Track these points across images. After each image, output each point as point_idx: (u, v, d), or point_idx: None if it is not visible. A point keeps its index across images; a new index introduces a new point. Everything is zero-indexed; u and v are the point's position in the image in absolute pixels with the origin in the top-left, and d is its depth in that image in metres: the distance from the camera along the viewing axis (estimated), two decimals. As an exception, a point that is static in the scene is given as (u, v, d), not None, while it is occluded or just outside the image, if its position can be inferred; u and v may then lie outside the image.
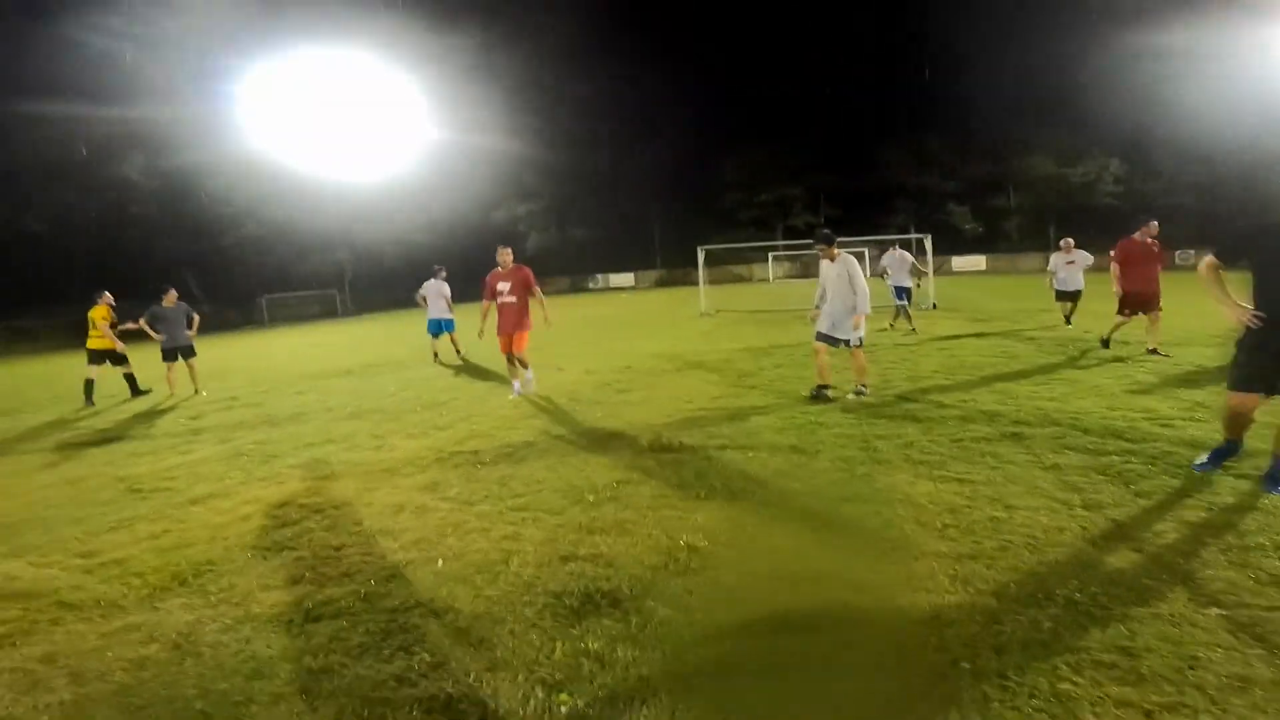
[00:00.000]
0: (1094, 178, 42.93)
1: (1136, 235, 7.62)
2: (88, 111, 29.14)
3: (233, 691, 2.02)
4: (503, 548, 3.01)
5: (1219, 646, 1.96)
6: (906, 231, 35.14)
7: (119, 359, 9.01)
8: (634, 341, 12.11)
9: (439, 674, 2.05)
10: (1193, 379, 5.84)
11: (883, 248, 14.25)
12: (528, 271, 6.76)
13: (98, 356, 8.91)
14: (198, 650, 2.26)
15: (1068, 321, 10.16)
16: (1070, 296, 10.13)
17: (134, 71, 30.26)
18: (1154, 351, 7.21)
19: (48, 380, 12.50)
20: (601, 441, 4.87)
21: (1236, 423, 3.38)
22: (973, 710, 1.75)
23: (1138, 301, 7.48)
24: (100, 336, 8.86)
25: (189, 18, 31.77)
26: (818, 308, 6.12)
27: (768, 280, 36.59)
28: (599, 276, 49.61)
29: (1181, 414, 4.60)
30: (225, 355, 14.90)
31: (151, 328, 8.90)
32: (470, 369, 9.55)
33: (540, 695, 1.91)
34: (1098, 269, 9.10)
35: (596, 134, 49.43)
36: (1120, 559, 2.56)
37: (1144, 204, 36.62)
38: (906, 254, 11.57)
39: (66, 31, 29.26)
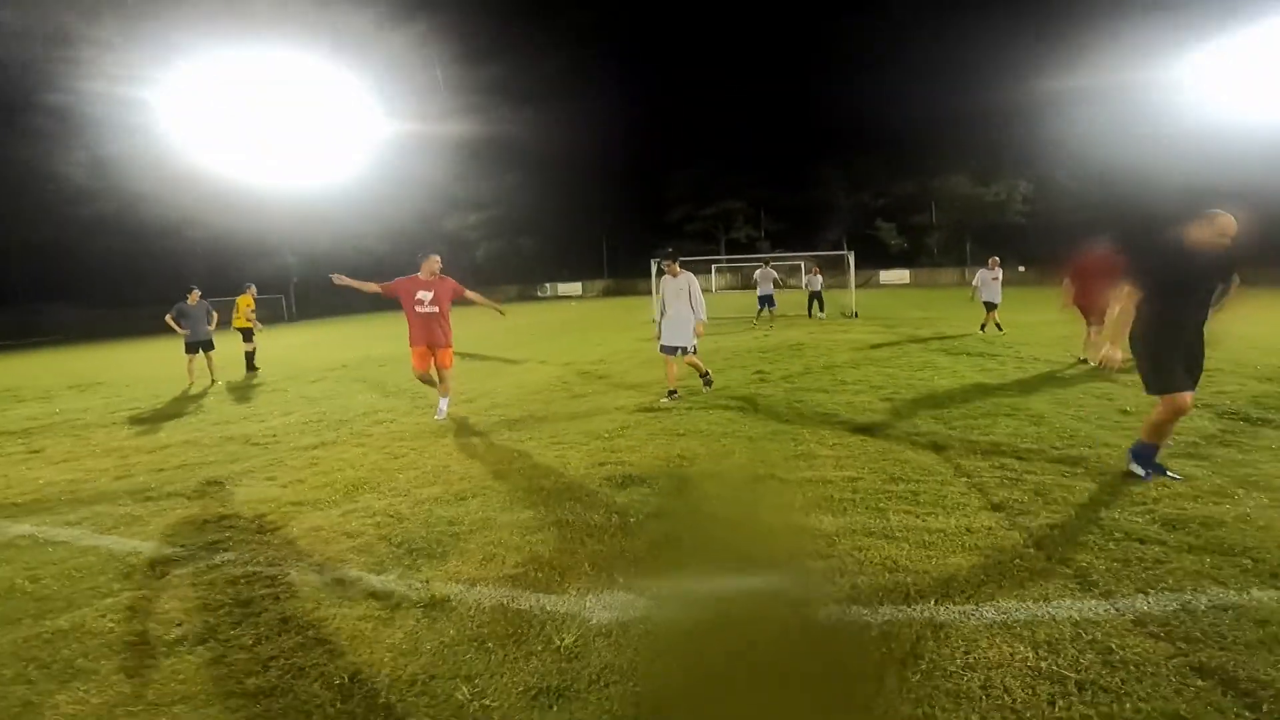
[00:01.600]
0: (1005, 197, 46.98)
1: (1092, 253, 8.07)
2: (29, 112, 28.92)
3: (437, 537, 3.61)
4: (558, 461, 4.71)
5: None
6: (839, 246, 39.30)
7: (249, 337, 11.43)
8: (599, 341, 13.89)
9: (566, 506, 3.75)
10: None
11: (805, 264, 17.14)
12: (454, 282, 6.41)
13: (245, 335, 11.44)
14: (405, 518, 3.79)
15: (982, 329, 11.97)
16: (991, 307, 11.97)
17: (76, 66, 30.06)
18: (1084, 361, 7.90)
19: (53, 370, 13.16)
20: (598, 407, 6.60)
21: (1171, 424, 3.65)
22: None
23: (1090, 311, 7.92)
24: (242, 318, 11.34)
25: (127, 19, 31.67)
26: (657, 322, 7.15)
27: (710, 290, 39.10)
28: (548, 285, 51.29)
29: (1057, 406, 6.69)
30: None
31: (176, 323, 10.09)
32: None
33: (615, 519, 3.59)
34: (1020, 283, 11.35)
35: (550, 144, 51.03)
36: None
37: (1048, 222, 41.80)
38: (771, 271, 15.86)
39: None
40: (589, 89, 52.03)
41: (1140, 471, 3.73)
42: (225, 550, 3.41)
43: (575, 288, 50.81)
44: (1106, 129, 38.85)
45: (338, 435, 6.00)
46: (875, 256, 44.51)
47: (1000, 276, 12.08)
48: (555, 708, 2.03)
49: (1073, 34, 39.42)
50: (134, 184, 31.99)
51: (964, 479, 3.92)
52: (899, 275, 45.59)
